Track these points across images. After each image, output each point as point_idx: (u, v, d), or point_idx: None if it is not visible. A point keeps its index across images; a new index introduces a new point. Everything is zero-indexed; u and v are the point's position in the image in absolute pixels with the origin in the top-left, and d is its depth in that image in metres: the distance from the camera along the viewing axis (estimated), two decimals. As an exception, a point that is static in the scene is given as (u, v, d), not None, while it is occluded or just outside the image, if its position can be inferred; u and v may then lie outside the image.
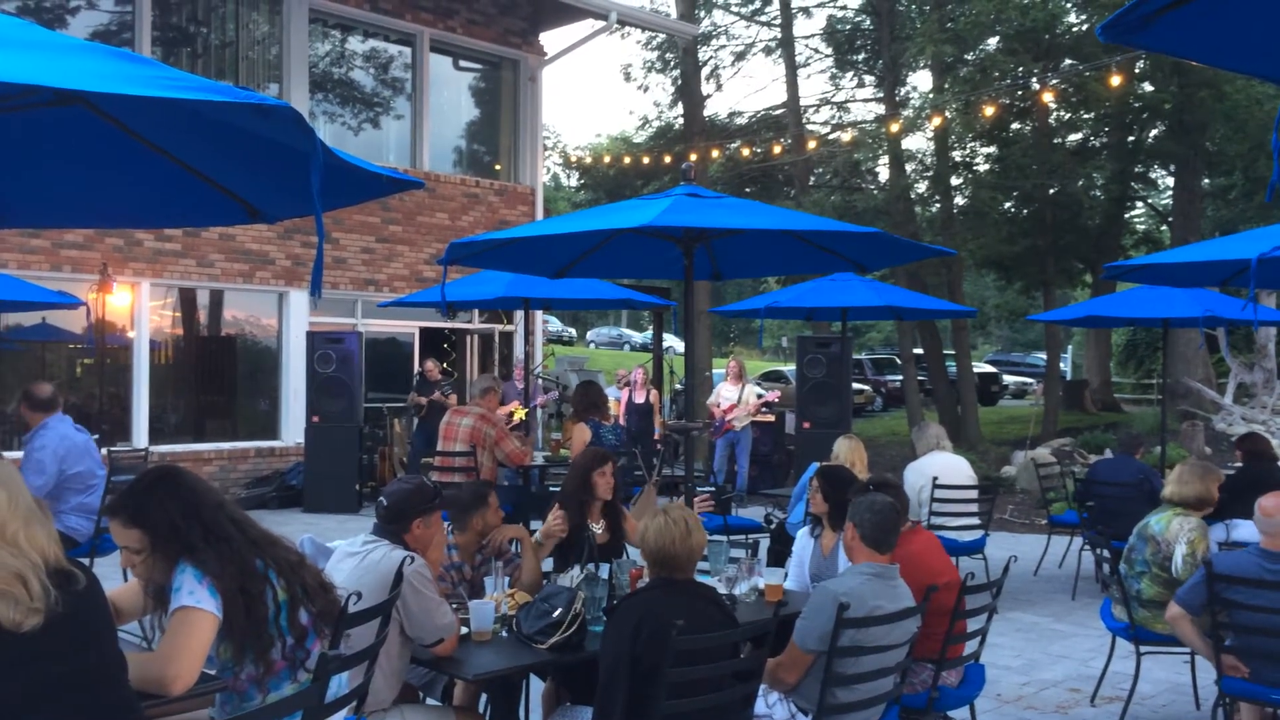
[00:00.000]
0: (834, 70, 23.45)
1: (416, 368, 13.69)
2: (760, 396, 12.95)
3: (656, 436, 11.90)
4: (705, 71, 23.01)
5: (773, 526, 7.53)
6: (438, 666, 3.66)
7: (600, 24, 15.53)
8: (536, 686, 4.50)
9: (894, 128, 17.25)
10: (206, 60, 13.16)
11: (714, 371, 19.75)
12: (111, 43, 11.27)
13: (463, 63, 15.59)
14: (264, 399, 13.41)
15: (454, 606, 3.80)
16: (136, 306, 12.15)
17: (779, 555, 6.52)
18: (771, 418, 13.99)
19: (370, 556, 3.60)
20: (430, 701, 4.12)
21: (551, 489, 8.00)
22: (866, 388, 28.33)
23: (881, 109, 20.91)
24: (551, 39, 16.01)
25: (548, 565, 4.76)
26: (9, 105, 2.94)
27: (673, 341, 26.15)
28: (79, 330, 11.85)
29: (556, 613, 3.64)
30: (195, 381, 13.02)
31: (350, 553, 3.68)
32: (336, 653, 2.88)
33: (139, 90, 2.36)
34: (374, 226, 13.95)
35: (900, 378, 22.81)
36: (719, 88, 35.25)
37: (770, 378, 27.29)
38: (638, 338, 42.57)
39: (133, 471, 8.81)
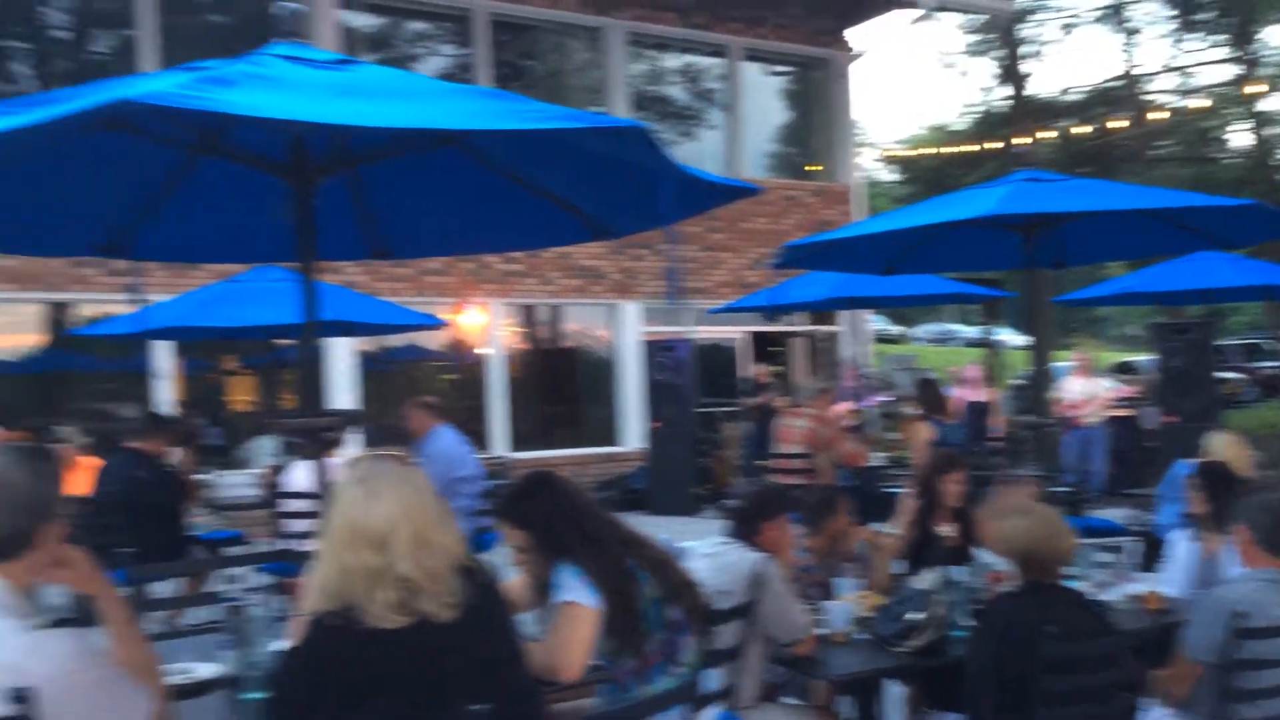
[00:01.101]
0: (1178, 34, 21.50)
1: (745, 372, 13.90)
2: (1111, 389, 12.08)
3: (996, 435, 11.40)
4: (1029, 49, 21.83)
5: (1140, 529, 6.98)
6: (796, 666, 3.69)
7: (914, 12, 15.11)
8: (890, 690, 4.42)
9: (1252, 89, 15.56)
10: (536, 91, 14.05)
11: (1057, 365, 18.60)
12: (456, 81, 12.30)
13: (773, 67, 15.70)
14: (603, 406, 14.10)
15: (808, 608, 3.82)
16: (489, 325, 13.16)
17: (1147, 559, 6.04)
18: (1129, 412, 13.01)
19: (726, 558, 3.69)
20: (789, 700, 4.16)
21: (888, 490, 7.85)
22: (1236, 376, 25.66)
23: (1231, 73, 18.94)
24: (859, 33, 15.77)
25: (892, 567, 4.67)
26: (395, 150, 3.29)
27: (1007, 334, 24.91)
28: (439, 348, 13.03)
29: (915, 616, 3.57)
30: (541, 392, 13.91)
31: (705, 554, 3.79)
32: (711, 648, 2.97)
33: (510, 125, 2.56)
34: (698, 235, 14.31)
35: (1277, 364, 20.46)
36: (1044, 64, 33.25)
37: (1122, 370, 25.36)
38: (967, 332, 40.93)
39: (499, 478, 9.55)
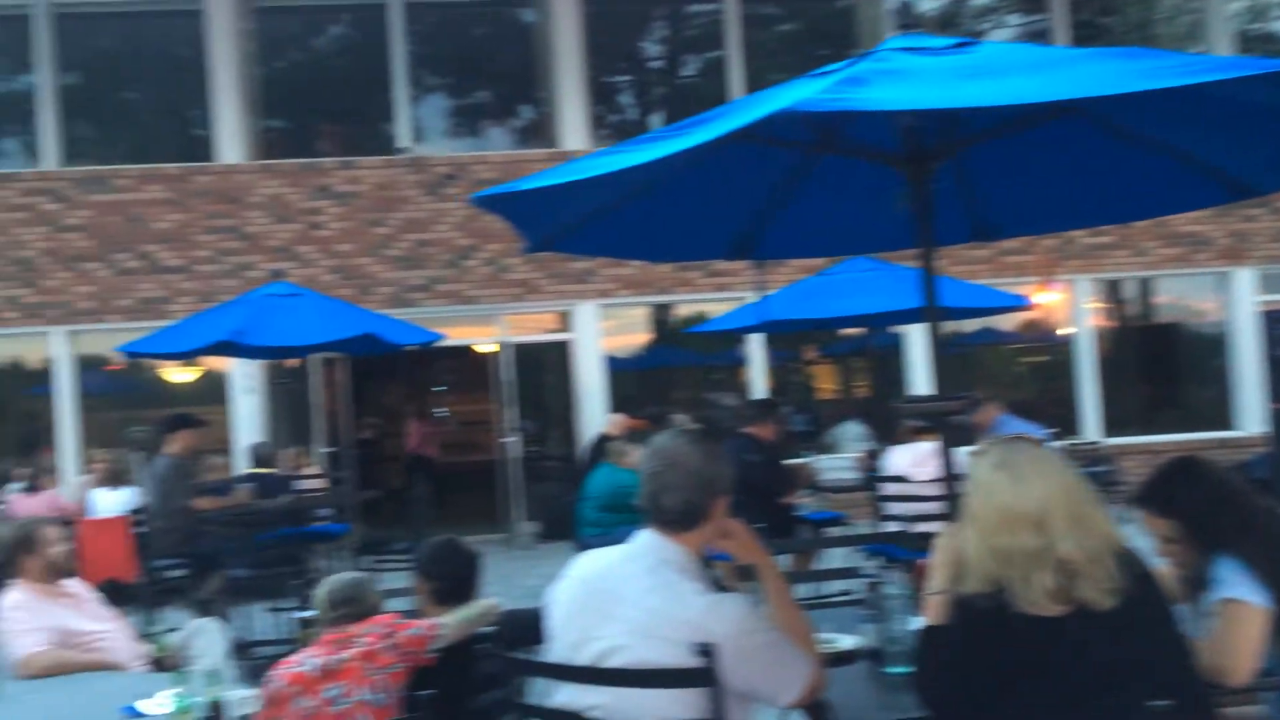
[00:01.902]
0: None
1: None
2: None
3: None
4: None
5: None
6: None
7: None
8: None
9: None
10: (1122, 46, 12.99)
11: None
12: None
13: None
14: (1211, 387, 12.70)
15: None
16: (1073, 303, 12.44)
17: None
18: None
19: None
20: None
21: None
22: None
23: None
24: None
25: None
26: (1012, 127, 3.22)
27: None
28: (1017, 330, 12.56)
29: None
30: (1137, 373, 12.87)
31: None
32: None
33: (1154, 83, 2.37)
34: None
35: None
36: None
37: None
38: None
39: (1096, 464, 8.99)
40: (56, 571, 4.40)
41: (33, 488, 9.84)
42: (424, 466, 14.63)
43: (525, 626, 3.08)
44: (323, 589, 3.56)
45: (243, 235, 11.85)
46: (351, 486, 10.63)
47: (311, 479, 9.87)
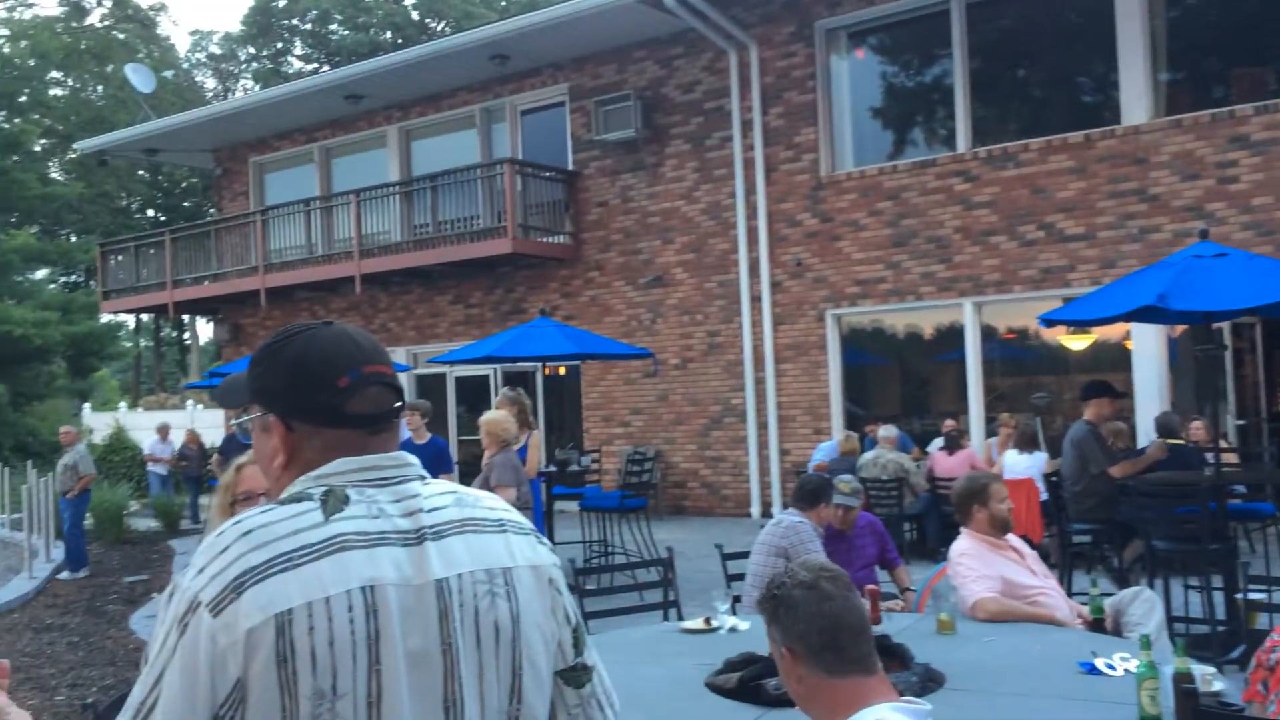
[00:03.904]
0: None
1: None
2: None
3: None
4: None
5: None
6: None
7: None
8: None
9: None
10: None
11: None
12: None
13: None
14: None
15: None
16: None
17: None
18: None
19: None
20: None
21: None
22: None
23: None
24: None
25: None
26: None
27: None
28: None
29: None
30: None
31: None
32: None
33: None
34: None
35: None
36: None
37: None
38: None
39: None
40: (1001, 525, 4.73)
41: (950, 447, 10.80)
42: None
43: None
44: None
45: (1148, 197, 11.45)
46: (1272, 462, 9.66)
47: (1225, 452, 9.20)
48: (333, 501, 1.35)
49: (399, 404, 1.46)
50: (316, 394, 1.41)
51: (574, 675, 1.49)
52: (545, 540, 1.53)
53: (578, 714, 1.50)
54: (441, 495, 1.44)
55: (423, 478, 1.45)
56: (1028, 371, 12.66)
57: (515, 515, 1.51)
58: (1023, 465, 9.40)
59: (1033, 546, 5.05)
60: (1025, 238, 12.20)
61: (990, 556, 4.64)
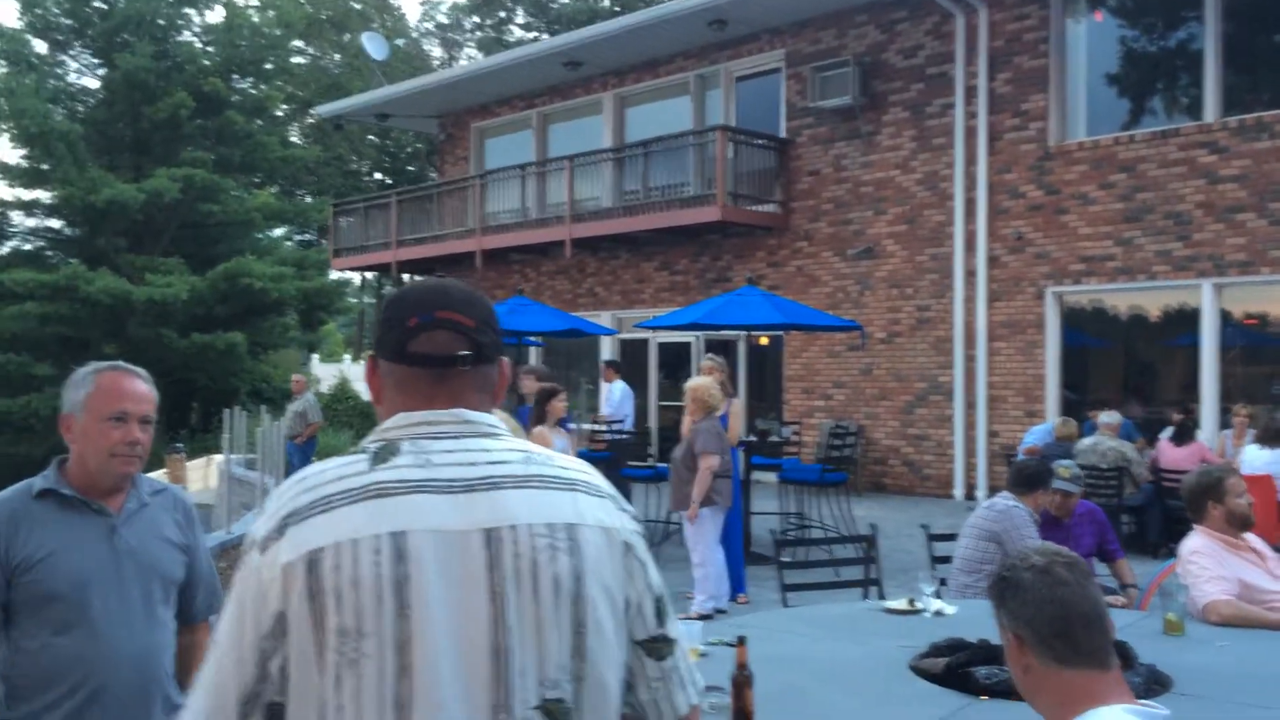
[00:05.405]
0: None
1: None
2: None
3: None
4: None
5: None
6: None
7: None
8: None
9: None
10: None
11: None
12: None
13: None
14: None
15: None
16: None
17: None
18: None
19: None
20: None
21: None
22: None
23: None
24: None
25: None
26: None
27: None
28: None
29: None
30: None
31: None
32: None
33: None
34: None
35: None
36: None
37: None
38: None
39: None
40: (1240, 522, 4.37)
41: (1180, 437, 10.09)
42: None
43: None
44: None
45: None
46: None
47: None
48: (383, 453, 1.41)
49: (465, 352, 1.47)
50: (390, 332, 1.48)
51: (655, 646, 1.48)
52: (628, 506, 1.53)
53: (658, 688, 1.49)
54: (510, 451, 1.45)
55: (492, 434, 1.46)
56: (1269, 361, 11.67)
57: (594, 479, 1.51)
58: (1263, 460, 8.68)
59: (1272, 549, 4.65)
60: (1277, 215, 11.21)
61: (1226, 556, 4.30)
